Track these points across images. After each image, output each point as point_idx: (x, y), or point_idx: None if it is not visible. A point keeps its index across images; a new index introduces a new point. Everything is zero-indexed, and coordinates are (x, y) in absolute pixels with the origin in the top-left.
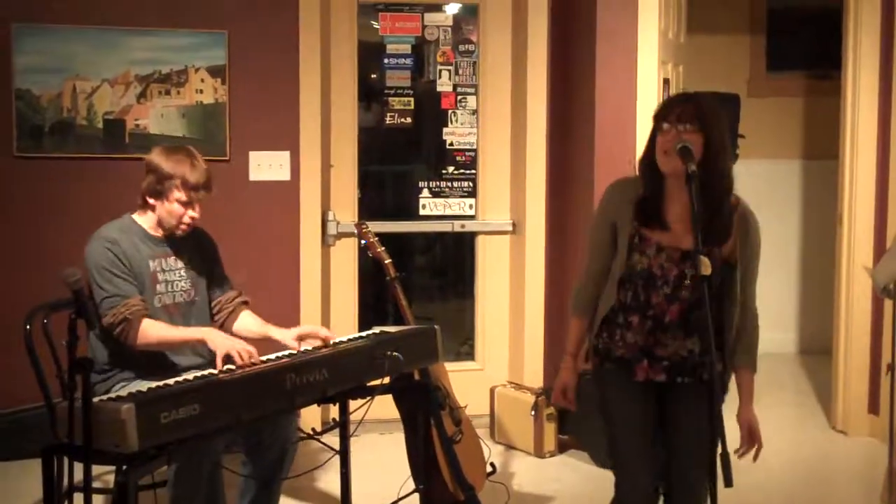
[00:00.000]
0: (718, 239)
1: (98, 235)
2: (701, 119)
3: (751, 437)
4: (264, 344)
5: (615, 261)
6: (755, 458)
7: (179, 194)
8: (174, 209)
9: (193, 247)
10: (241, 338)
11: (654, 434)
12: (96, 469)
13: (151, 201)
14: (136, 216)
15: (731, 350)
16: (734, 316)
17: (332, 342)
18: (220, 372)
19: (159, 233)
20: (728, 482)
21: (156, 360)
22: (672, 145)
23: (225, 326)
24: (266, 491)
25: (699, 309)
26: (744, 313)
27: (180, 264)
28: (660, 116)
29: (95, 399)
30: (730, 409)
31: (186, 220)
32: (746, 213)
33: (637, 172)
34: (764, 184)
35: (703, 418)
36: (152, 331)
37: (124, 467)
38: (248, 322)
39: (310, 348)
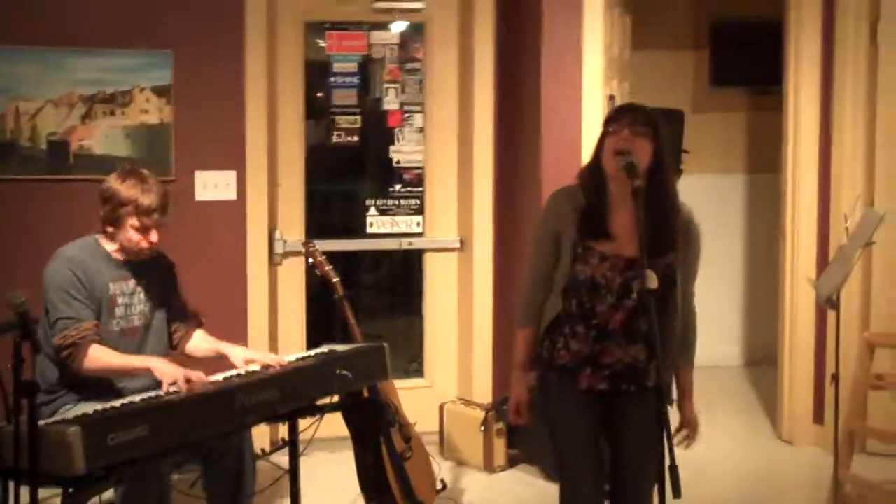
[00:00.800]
0: (664, 249)
1: (60, 255)
2: (653, 126)
3: (692, 434)
4: (216, 362)
5: (558, 270)
6: (688, 445)
7: (133, 220)
8: (131, 236)
9: (153, 270)
10: (193, 357)
11: (600, 443)
12: (43, 492)
13: (110, 229)
14: (100, 238)
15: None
16: (676, 324)
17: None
18: (167, 393)
19: (122, 256)
20: (676, 493)
21: (103, 382)
22: (622, 146)
23: (179, 347)
24: None
25: (643, 317)
26: (683, 314)
27: (140, 288)
28: (611, 119)
29: (41, 422)
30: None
31: (144, 245)
32: (689, 219)
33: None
34: (708, 198)
35: (649, 427)
36: (98, 356)
37: (71, 490)
38: (199, 341)
39: (258, 368)
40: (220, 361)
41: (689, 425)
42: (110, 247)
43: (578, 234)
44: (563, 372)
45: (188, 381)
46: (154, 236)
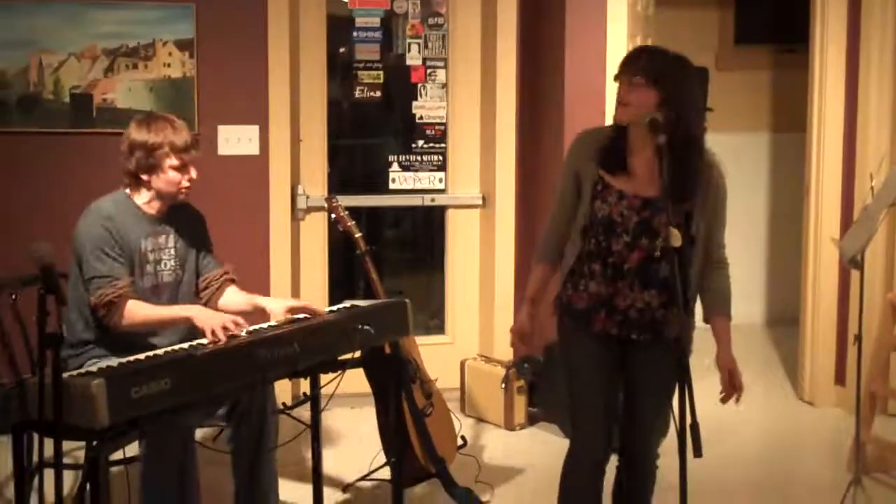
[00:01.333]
0: (683, 194)
1: (94, 211)
2: (657, 74)
3: (731, 382)
4: (253, 316)
5: (579, 210)
6: (737, 400)
7: (172, 161)
8: (171, 177)
9: (184, 225)
10: (227, 312)
11: (613, 386)
12: (67, 446)
13: (145, 177)
14: (130, 192)
15: (697, 301)
16: (697, 270)
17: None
18: (190, 346)
19: (153, 210)
20: (697, 452)
21: (131, 338)
22: (620, 97)
23: (210, 303)
24: (256, 462)
25: (661, 261)
26: (713, 261)
27: (171, 243)
28: (618, 69)
29: (66, 374)
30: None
31: (185, 183)
32: (711, 161)
33: None
34: (732, 157)
35: (662, 378)
36: (137, 311)
37: (95, 443)
38: (232, 297)
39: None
40: (256, 316)
41: (727, 375)
42: (141, 200)
43: (598, 168)
44: (580, 316)
45: (230, 326)
46: (194, 172)
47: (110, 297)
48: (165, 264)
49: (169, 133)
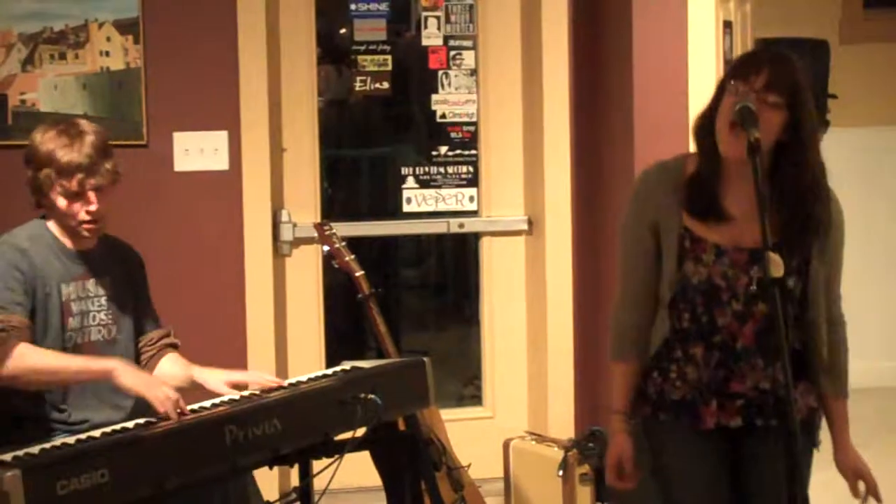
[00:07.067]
0: (803, 235)
1: (3, 241)
2: (793, 91)
3: (866, 487)
4: (195, 393)
5: (662, 275)
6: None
7: (60, 185)
8: (62, 206)
9: (119, 269)
10: None
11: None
12: None
13: (45, 201)
14: (47, 222)
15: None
16: (822, 329)
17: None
18: (136, 425)
19: (72, 245)
20: None
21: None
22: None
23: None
24: None
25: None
26: (829, 323)
27: (101, 291)
28: (737, 73)
29: None
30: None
31: (84, 216)
32: (830, 192)
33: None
34: (863, 158)
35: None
36: (27, 353)
37: None
38: (168, 366)
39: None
40: (196, 392)
41: (853, 478)
42: (58, 230)
43: (684, 216)
44: (679, 409)
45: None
46: (91, 204)
47: None
48: (94, 318)
49: (56, 145)
